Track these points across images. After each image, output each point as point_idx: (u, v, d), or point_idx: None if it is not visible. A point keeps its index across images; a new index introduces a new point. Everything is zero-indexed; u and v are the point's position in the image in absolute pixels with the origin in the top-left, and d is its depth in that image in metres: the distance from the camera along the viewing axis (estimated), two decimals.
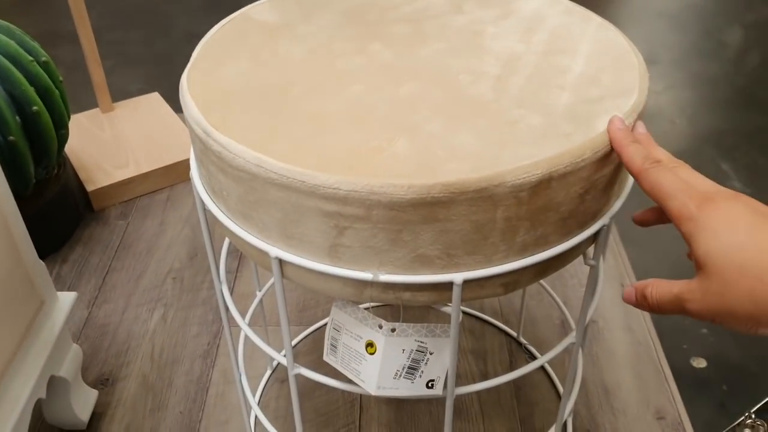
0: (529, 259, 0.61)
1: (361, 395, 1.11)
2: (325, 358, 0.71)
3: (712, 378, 1.25)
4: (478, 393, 1.11)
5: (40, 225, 1.33)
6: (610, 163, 0.60)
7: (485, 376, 1.14)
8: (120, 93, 1.93)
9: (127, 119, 1.68)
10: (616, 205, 0.66)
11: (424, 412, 1.08)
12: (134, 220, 1.47)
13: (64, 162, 1.43)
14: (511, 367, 1.15)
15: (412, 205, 0.55)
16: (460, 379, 1.13)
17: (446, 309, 0.64)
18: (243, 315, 0.80)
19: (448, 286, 0.61)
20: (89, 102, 1.77)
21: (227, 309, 0.80)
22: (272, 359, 1.16)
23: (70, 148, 1.58)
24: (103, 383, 1.14)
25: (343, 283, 0.62)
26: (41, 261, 0.91)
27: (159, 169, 1.52)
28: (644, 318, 1.24)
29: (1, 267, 0.81)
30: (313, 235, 0.59)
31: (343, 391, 1.12)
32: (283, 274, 0.65)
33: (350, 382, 0.71)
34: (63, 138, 1.33)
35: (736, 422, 0.50)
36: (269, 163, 0.57)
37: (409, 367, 0.67)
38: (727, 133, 1.88)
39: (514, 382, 1.13)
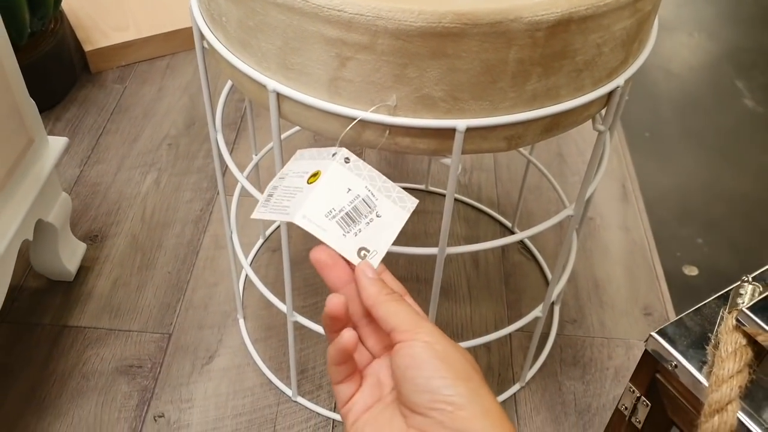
0: (537, 111, 0.58)
1: None
2: (255, 214, 0.57)
3: (702, 286, 1.25)
4: (467, 276, 1.11)
5: (33, 79, 1.28)
6: (631, 15, 0.57)
7: (476, 263, 1.13)
8: None
9: None
10: (633, 67, 0.63)
11: (411, 290, 1.08)
12: (132, 84, 1.44)
13: (61, 17, 1.38)
14: (504, 257, 1.15)
15: (421, 35, 0.52)
16: (451, 264, 1.13)
17: (446, 160, 0.62)
18: (237, 183, 0.77)
19: (450, 133, 0.58)
20: None
21: (222, 160, 0.78)
22: (264, 229, 1.15)
23: (68, 6, 1.52)
24: (92, 239, 1.13)
25: (341, 123, 0.59)
26: (32, 99, 0.88)
27: (160, 34, 1.47)
28: (641, 220, 1.23)
29: None
30: (313, 66, 0.56)
31: None
32: (280, 113, 0.62)
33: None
34: None
35: (735, 284, 0.49)
36: None
37: (346, 213, 0.54)
38: (745, 51, 1.83)
39: (504, 269, 1.12)
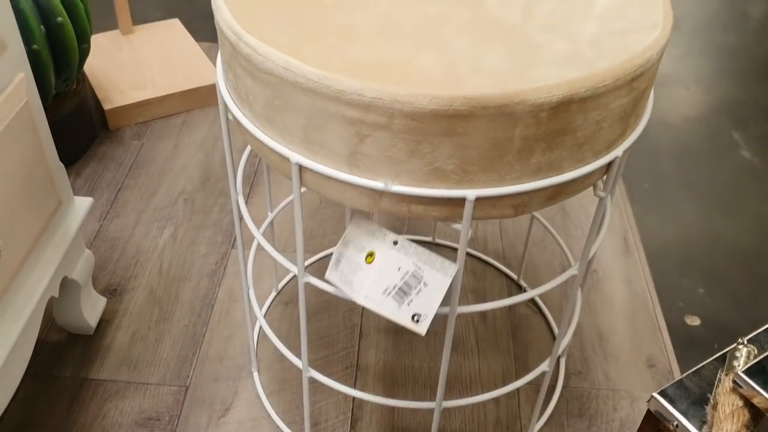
0: (541, 181, 0.62)
1: (361, 322, 1.14)
2: (327, 275, 0.71)
3: (705, 336, 1.28)
4: (475, 330, 1.14)
5: (55, 137, 1.34)
6: (628, 94, 0.62)
7: (484, 317, 1.16)
8: (139, 20, 1.93)
9: (146, 42, 1.68)
10: (630, 138, 0.67)
11: (421, 342, 1.12)
12: (149, 141, 1.49)
13: (83, 78, 1.44)
14: (511, 310, 1.18)
15: (434, 117, 0.57)
16: (459, 318, 1.16)
17: (456, 225, 0.66)
18: (253, 239, 0.82)
19: (461, 202, 0.63)
20: (109, 25, 1.77)
21: (241, 216, 0.82)
22: (277, 282, 1.18)
23: (88, 67, 1.59)
24: (111, 293, 1.17)
25: (359, 192, 0.64)
26: (61, 162, 0.93)
27: (176, 93, 1.53)
28: (644, 272, 1.27)
29: (27, 162, 0.83)
30: (334, 141, 0.61)
31: (343, 317, 1.15)
32: (301, 182, 0.67)
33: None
34: (84, 52, 1.34)
35: (731, 346, 0.53)
36: (297, 67, 0.58)
37: (399, 289, 0.66)
38: (741, 104, 1.88)
39: (511, 322, 1.16)
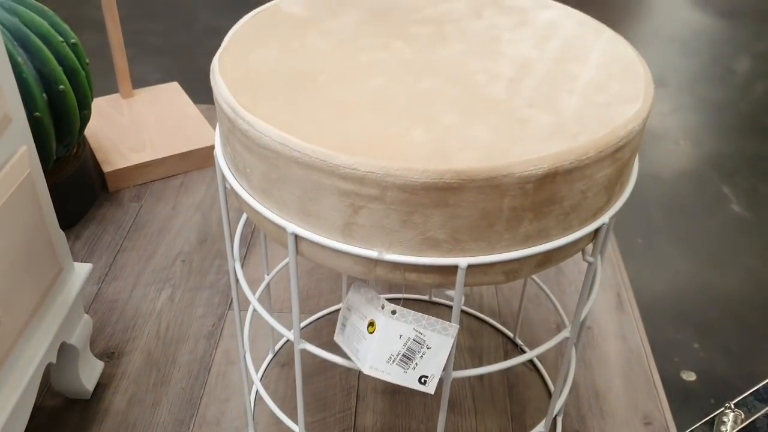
0: (530, 249, 0.64)
1: (358, 384, 1.14)
2: (335, 338, 0.74)
3: (701, 391, 1.28)
4: (472, 389, 1.14)
5: (56, 200, 1.37)
6: (612, 164, 0.64)
7: (480, 376, 1.17)
8: (139, 82, 1.97)
9: (146, 106, 1.72)
10: (616, 206, 0.69)
11: (418, 403, 1.12)
12: (147, 202, 1.51)
13: (83, 142, 1.47)
14: (507, 369, 1.18)
15: (425, 189, 0.59)
16: (455, 378, 1.17)
17: (450, 292, 0.67)
18: (249, 303, 0.84)
19: (453, 269, 0.64)
20: (109, 88, 1.82)
21: (237, 282, 0.84)
22: (273, 343, 1.19)
23: (89, 130, 1.62)
24: (109, 356, 1.17)
25: (354, 261, 0.66)
26: (61, 230, 0.95)
27: (175, 155, 1.56)
28: (638, 327, 1.28)
29: (28, 231, 0.85)
30: (329, 213, 0.63)
31: (340, 379, 1.15)
32: (297, 251, 0.69)
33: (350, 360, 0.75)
34: (85, 118, 1.37)
35: (719, 411, 0.54)
36: (293, 143, 0.61)
37: (403, 355, 0.69)
38: (729, 158, 1.92)
39: (508, 380, 1.16)
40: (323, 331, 1.23)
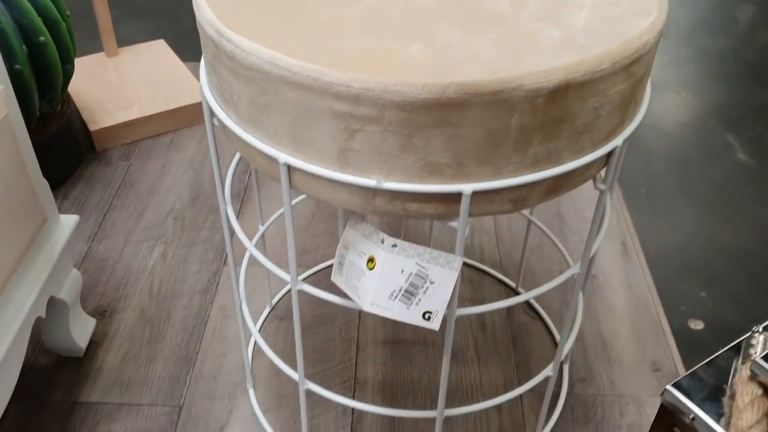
0: (540, 173, 0.60)
1: (358, 335, 1.11)
2: (333, 278, 0.70)
3: (709, 340, 1.25)
4: (475, 339, 1.11)
5: (41, 159, 1.31)
6: (626, 79, 0.60)
7: (483, 325, 1.14)
8: (125, 43, 1.91)
9: (132, 64, 1.67)
10: (630, 128, 0.65)
11: (420, 354, 1.09)
12: (136, 161, 1.47)
13: (67, 100, 1.42)
14: (510, 318, 1.15)
15: (426, 107, 0.55)
16: (458, 327, 1.14)
17: (453, 224, 0.64)
18: (244, 253, 0.80)
19: (457, 197, 0.60)
20: (94, 49, 1.76)
21: (232, 234, 0.80)
22: (271, 297, 1.15)
23: (73, 90, 1.57)
24: (101, 314, 1.14)
25: (350, 192, 0.62)
26: (45, 179, 0.91)
27: (163, 112, 1.51)
28: (644, 275, 1.24)
29: (6, 176, 0.80)
30: (322, 139, 0.59)
31: (340, 331, 1.12)
32: (291, 184, 0.65)
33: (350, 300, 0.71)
34: (68, 73, 1.32)
35: (746, 335, 0.50)
36: (282, 61, 0.56)
37: (406, 291, 0.65)
38: (733, 107, 1.88)
39: (511, 330, 1.13)
40: (321, 284, 1.19)
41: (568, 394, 1.03)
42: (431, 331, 1.12)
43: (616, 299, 1.19)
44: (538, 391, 1.03)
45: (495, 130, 0.56)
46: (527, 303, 1.18)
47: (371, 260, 0.66)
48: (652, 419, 1.01)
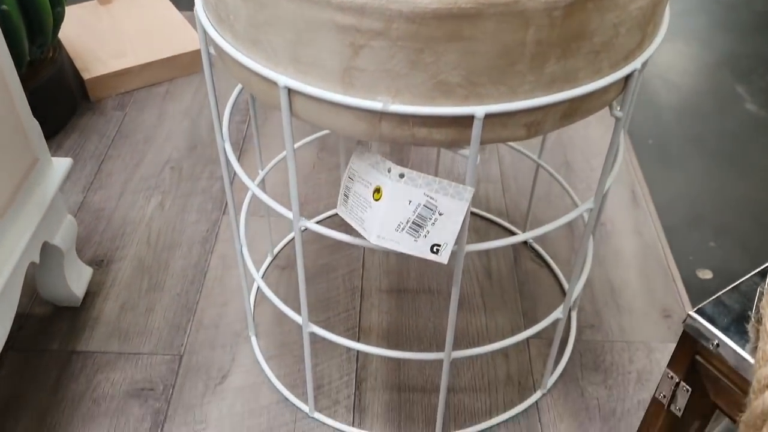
0: (556, 95, 0.57)
1: (362, 284, 1.08)
2: (338, 210, 0.67)
3: (718, 289, 1.23)
4: (481, 287, 1.09)
5: (34, 108, 1.28)
6: None
7: (489, 273, 1.11)
8: None
9: (126, 12, 1.62)
10: (649, 50, 0.62)
11: (425, 302, 1.06)
12: (132, 111, 1.43)
13: (59, 46, 1.38)
14: (516, 265, 1.13)
15: (437, 18, 0.51)
16: (463, 274, 1.11)
17: (464, 152, 0.60)
18: (242, 204, 0.77)
19: (469, 121, 0.57)
20: None
21: (233, 175, 0.77)
22: (272, 246, 1.13)
23: (66, 39, 1.52)
24: (98, 264, 1.11)
25: (355, 117, 0.58)
26: (35, 119, 0.87)
27: (158, 60, 1.47)
28: (653, 222, 1.21)
29: None
30: (325, 57, 0.55)
31: (343, 280, 1.09)
32: (291, 111, 0.61)
33: (357, 236, 0.68)
34: (59, 16, 1.27)
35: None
36: None
37: (413, 222, 0.62)
38: (743, 57, 1.83)
39: (518, 278, 1.10)
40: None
41: (577, 340, 1.01)
42: (436, 279, 1.09)
43: (626, 247, 1.17)
44: (546, 338, 1.01)
45: (510, 45, 0.53)
46: (534, 251, 1.15)
47: (377, 191, 0.63)
48: (663, 365, 0.99)
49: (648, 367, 0.98)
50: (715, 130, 1.53)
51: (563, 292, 1.09)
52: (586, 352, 1.00)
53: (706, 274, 1.22)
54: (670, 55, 1.83)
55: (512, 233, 1.19)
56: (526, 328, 1.03)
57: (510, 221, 1.21)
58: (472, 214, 1.22)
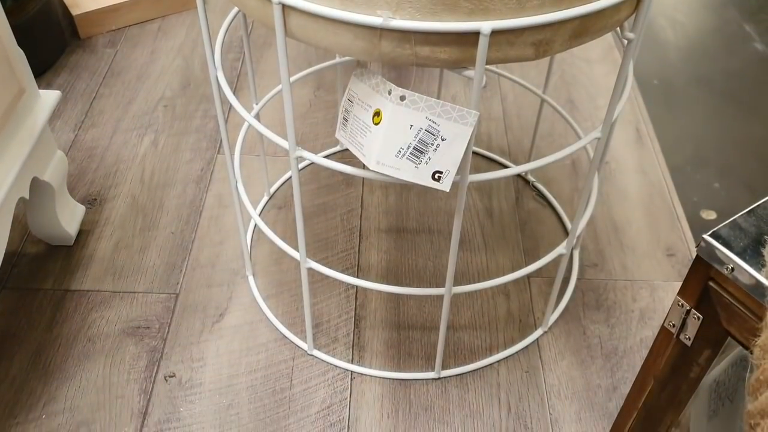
0: (566, 11, 0.54)
1: (360, 224, 1.06)
2: (336, 134, 0.65)
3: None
4: (482, 226, 1.07)
5: (20, 44, 1.24)
6: None
7: (490, 213, 1.09)
8: None
9: None
10: None
11: (424, 241, 1.04)
12: (123, 48, 1.39)
13: None
14: (518, 204, 1.11)
15: None
16: (464, 214, 1.09)
17: (468, 72, 0.57)
18: (237, 140, 0.74)
19: (474, 39, 0.54)
20: None
21: (227, 115, 0.74)
22: (269, 186, 1.10)
23: None
24: (90, 202, 1.09)
25: (354, 34, 0.55)
26: (20, 49, 0.84)
27: None
28: (658, 161, 1.19)
29: None
30: None
31: (341, 220, 1.07)
32: (286, 30, 0.58)
33: (357, 165, 0.66)
34: None
35: None
36: None
37: (414, 148, 0.59)
38: None
39: (519, 217, 1.08)
40: (320, 174, 1.14)
41: (579, 279, 1.00)
42: (436, 219, 1.07)
43: (629, 185, 1.14)
44: (547, 277, 1.00)
45: None
46: (537, 189, 1.13)
47: (377, 114, 0.60)
48: (666, 304, 0.97)
49: (651, 305, 0.97)
50: (722, 70, 1.49)
51: (566, 232, 1.07)
52: (589, 291, 0.98)
53: (710, 215, 1.20)
54: None
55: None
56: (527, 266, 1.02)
57: (512, 160, 1.18)
58: (474, 153, 1.19)
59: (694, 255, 1.05)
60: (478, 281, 0.99)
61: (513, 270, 1.01)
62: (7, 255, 1.00)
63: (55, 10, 1.34)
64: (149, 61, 1.35)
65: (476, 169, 1.17)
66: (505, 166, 1.17)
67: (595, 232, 1.07)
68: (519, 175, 1.16)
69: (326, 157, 1.17)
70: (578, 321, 0.95)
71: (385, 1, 0.52)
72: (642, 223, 1.08)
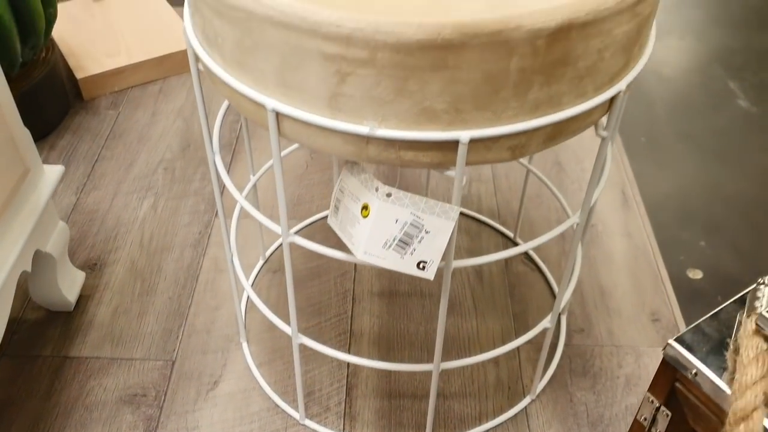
0: (540, 119, 0.57)
1: (353, 288, 1.09)
2: (329, 220, 0.68)
3: (708, 289, 1.24)
4: (472, 290, 1.10)
5: (26, 108, 1.28)
6: (631, 19, 0.56)
7: (480, 276, 1.12)
8: None
9: (119, 8, 1.61)
10: (634, 71, 0.62)
11: (416, 306, 1.07)
12: (125, 110, 1.43)
13: (52, 46, 1.37)
14: (507, 269, 1.14)
15: (421, 48, 0.51)
16: (454, 277, 1.12)
17: (450, 173, 0.61)
18: (234, 207, 0.77)
19: (454, 145, 0.58)
20: None
21: (223, 189, 0.77)
22: (264, 250, 1.13)
23: (58, 36, 1.52)
24: (90, 267, 1.12)
25: (343, 140, 0.59)
26: (26, 129, 0.88)
27: (152, 59, 1.47)
28: (644, 224, 1.22)
29: None
30: (312, 83, 0.56)
31: (335, 283, 1.10)
32: (279, 132, 0.62)
33: (346, 251, 0.69)
34: (51, 17, 1.27)
35: (752, 286, 0.48)
36: None
37: (400, 240, 0.63)
38: (736, 52, 1.83)
39: (509, 281, 1.11)
40: (316, 237, 1.17)
41: (566, 345, 1.02)
42: (428, 283, 1.10)
43: (615, 249, 1.18)
44: (536, 343, 1.02)
45: (494, 74, 0.53)
46: (525, 253, 1.16)
47: (365, 207, 0.64)
48: (651, 370, 1.00)
49: (636, 371, 0.99)
50: (707, 127, 1.53)
51: (554, 295, 1.10)
52: (575, 357, 1.01)
53: (696, 274, 1.23)
54: (664, 50, 1.83)
55: (503, 235, 1.19)
56: (516, 331, 1.04)
57: (501, 222, 1.21)
58: (464, 215, 1.23)
59: (678, 320, 1.08)
60: (468, 347, 1.02)
61: (503, 334, 1.04)
62: (8, 322, 1.02)
63: (60, 74, 1.39)
64: (150, 123, 1.39)
65: (466, 232, 1.20)
66: (495, 229, 1.20)
67: (582, 296, 1.10)
68: (508, 238, 1.19)
69: (320, 219, 1.21)
70: (565, 388, 0.97)
71: (372, 112, 0.56)
72: (627, 286, 1.11)
